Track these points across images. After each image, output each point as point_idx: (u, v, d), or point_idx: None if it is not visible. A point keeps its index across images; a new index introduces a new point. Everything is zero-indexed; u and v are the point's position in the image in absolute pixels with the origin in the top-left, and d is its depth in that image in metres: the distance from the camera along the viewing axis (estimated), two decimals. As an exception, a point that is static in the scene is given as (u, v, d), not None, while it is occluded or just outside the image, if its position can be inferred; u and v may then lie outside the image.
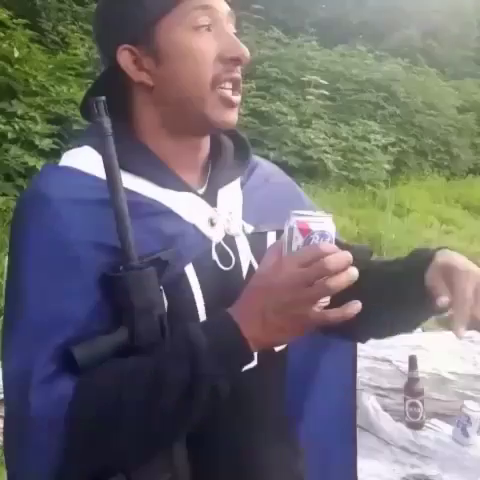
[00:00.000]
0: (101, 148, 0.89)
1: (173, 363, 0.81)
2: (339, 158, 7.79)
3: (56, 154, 5.64)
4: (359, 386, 3.16)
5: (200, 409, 0.82)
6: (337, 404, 1.24)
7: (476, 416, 2.57)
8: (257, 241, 1.01)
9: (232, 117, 0.97)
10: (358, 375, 3.28)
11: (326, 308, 0.82)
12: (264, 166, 1.14)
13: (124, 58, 0.93)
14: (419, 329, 4.27)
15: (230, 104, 0.95)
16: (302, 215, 0.83)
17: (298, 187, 1.22)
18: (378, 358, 3.37)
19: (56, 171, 0.92)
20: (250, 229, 1.01)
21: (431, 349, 3.52)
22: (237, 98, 0.96)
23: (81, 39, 7.76)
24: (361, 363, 3.36)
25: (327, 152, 7.63)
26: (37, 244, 0.86)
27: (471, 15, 15.11)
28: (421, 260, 0.95)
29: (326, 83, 8.51)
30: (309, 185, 7.07)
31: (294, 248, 0.82)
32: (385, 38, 12.33)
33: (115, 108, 0.90)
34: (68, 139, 5.87)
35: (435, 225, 7.36)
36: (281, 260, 0.82)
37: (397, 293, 1.00)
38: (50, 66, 6.66)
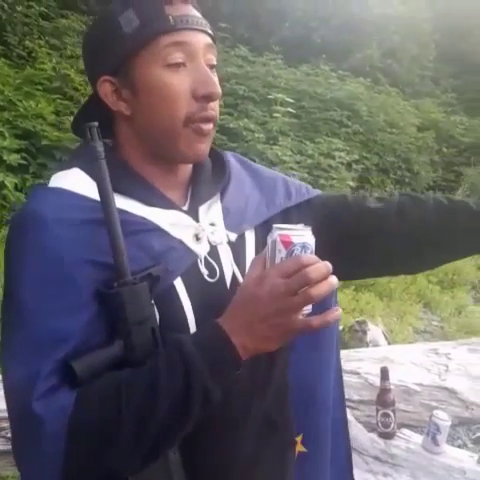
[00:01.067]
0: (91, 170, 0.95)
1: (168, 374, 0.85)
2: (306, 175, 7.84)
3: (24, 169, 5.61)
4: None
5: (194, 416, 0.86)
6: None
7: (445, 425, 2.63)
8: (237, 247, 1.07)
9: (203, 149, 1.01)
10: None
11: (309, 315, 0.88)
12: (234, 165, 1.18)
13: (104, 88, 0.98)
14: (385, 342, 4.38)
15: (202, 133, 0.99)
16: (284, 229, 0.89)
17: (267, 170, 1.25)
18: (347, 371, 3.43)
19: (48, 192, 0.96)
20: (234, 237, 1.06)
21: (397, 361, 3.59)
22: (209, 126, 1.00)
23: (48, 54, 7.72)
24: (331, 376, 3.42)
25: (294, 169, 7.66)
26: (34, 263, 0.89)
27: (428, 35, 15.46)
28: None
29: (292, 101, 8.59)
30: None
31: (278, 260, 0.88)
32: (347, 58, 12.52)
33: (102, 131, 0.94)
34: (36, 154, 5.84)
35: (398, 240, 7.45)
36: (264, 272, 0.88)
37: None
38: (17, 81, 6.63)
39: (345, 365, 3.50)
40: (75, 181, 0.96)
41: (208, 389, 0.85)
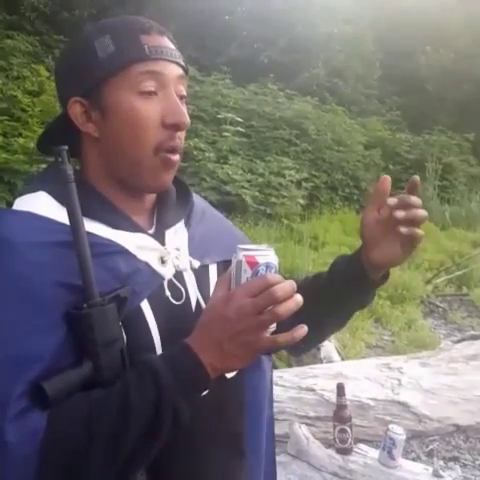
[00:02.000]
0: (56, 193, 0.96)
1: (138, 393, 0.85)
2: (256, 193, 7.92)
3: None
4: (287, 416, 3.24)
5: (165, 435, 0.87)
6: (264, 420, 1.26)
7: (400, 439, 2.67)
8: (201, 275, 1.09)
9: (168, 180, 1.03)
10: (285, 405, 3.38)
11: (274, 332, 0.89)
12: (198, 202, 1.21)
13: (74, 109, 0.99)
14: (339, 358, 4.43)
15: (169, 165, 1.01)
16: (248, 249, 0.90)
17: (226, 219, 1.31)
18: (303, 388, 3.46)
19: (15, 216, 0.96)
20: (197, 264, 1.08)
21: (351, 376, 3.64)
22: (176, 157, 1.02)
23: (-7, 75, 7.61)
24: (287, 393, 3.44)
25: (245, 187, 7.73)
26: (3, 286, 0.88)
27: (373, 54, 15.83)
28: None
29: (241, 120, 8.67)
30: (229, 220, 7.14)
31: (243, 280, 0.89)
32: (294, 77, 12.72)
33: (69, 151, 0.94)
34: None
35: (348, 256, 7.56)
36: (231, 292, 0.89)
37: (335, 284, 1.15)
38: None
39: (301, 382, 3.52)
40: (41, 204, 0.96)
41: (178, 407, 0.86)
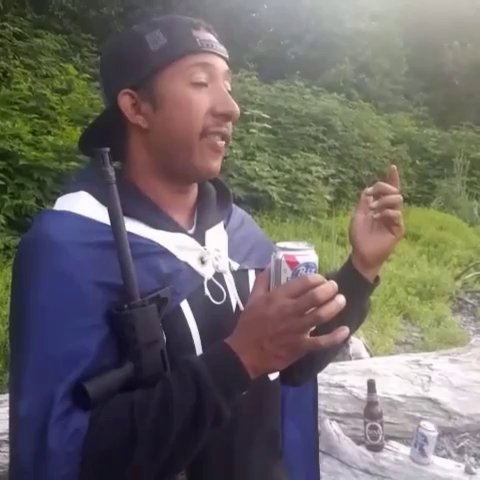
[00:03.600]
0: (97, 193, 0.97)
1: (180, 393, 0.85)
2: (283, 190, 7.89)
3: (2, 190, 5.57)
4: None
5: (206, 434, 0.87)
6: (302, 427, 1.30)
7: (432, 436, 2.65)
8: (241, 279, 1.09)
9: (215, 165, 1.04)
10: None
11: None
12: (238, 211, 1.23)
13: (124, 101, 1.01)
14: (367, 354, 4.41)
15: (216, 149, 1.02)
16: (288, 249, 0.89)
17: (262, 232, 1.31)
18: (332, 384, 3.44)
19: (58, 217, 0.97)
20: (236, 266, 1.09)
21: (381, 373, 3.61)
22: (222, 143, 1.04)
23: (23, 73, 7.67)
24: (317, 390, 3.43)
25: (271, 184, 7.71)
26: (48, 285, 0.89)
27: (400, 50, 15.71)
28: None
29: (268, 117, 8.66)
30: (255, 216, 7.13)
31: (283, 280, 0.88)
32: (321, 73, 12.69)
33: (115, 145, 0.96)
34: (13, 174, 5.79)
35: (376, 253, 7.51)
36: (272, 292, 0.88)
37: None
38: (-7, 101, 6.59)
39: (330, 379, 3.51)
40: (82, 204, 0.98)
41: (220, 407, 0.86)
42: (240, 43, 12.21)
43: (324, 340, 0.86)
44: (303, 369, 1.15)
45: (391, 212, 1.08)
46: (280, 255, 0.89)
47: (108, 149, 0.93)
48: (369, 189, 1.11)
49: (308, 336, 0.86)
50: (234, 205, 1.23)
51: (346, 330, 0.87)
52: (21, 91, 7.07)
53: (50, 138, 6.21)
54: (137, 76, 1.00)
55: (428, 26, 16.38)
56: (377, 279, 1.18)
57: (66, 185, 1.06)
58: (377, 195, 1.09)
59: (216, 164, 1.04)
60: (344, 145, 10.33)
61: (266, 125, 8.67)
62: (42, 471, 0.82)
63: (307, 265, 0.88)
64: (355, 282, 1.13)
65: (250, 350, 0.87)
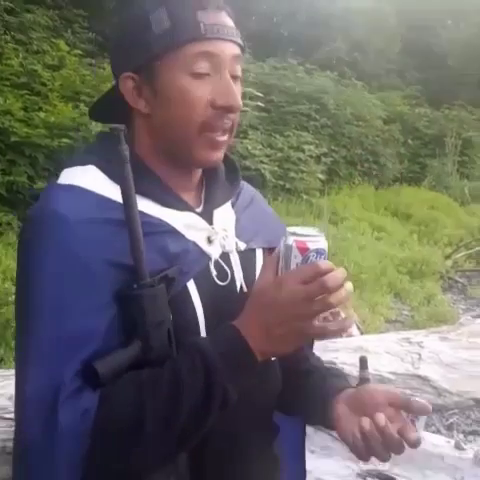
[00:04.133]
0: (107, 169, 0.96)
1: (189, 374, 0.86)
2: (276, 168, 7.89)
3: (-7, 166, 5.54)
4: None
5: (213, 416, 0.88)
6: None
7: (423, 411, 2.70)
8: (247, 258, 1.09)
9: (216, 157, 1.01)
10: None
11: None
12: (248, 189, 1.21)
13: (126, 84, 0.99)
14: (358, 332, 4.46)
15: (215, 145, 0.99)
16: (299, 234, 0.88)
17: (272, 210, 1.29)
18: (324, 361, 3.48)
19: (66, 191, 0.94)
20: (243, 246, 1.08)
21: (371, 350, 3.64)
22: (223, 138, 1.00)
23: (14, 49, 7.57)
24: (308, 367, 3.45)
25: (264, 162, 7.70)
26: (57, 263, 0.88)
27: (393, 29, 15.62)
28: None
29: (261, 95, 8.60)
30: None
31: (293, 266, 0.88)
32: (314, 51, 12.61)
33: (119, 122, 0.94)
34: (5, 150, 5.76)
35: (367, 232, 7.58)
36: (282, 276, 0.88)
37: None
38: (-16, 77, 6.51)
39: (322, 356, 3.51)
40: (90, 179, 0.96)
41: (227, 389, 0.86)
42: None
43: (332, 327, 0.86)
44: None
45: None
46: (291, 241, 0.88)
47: (124, 126, 0.91)
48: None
49: (317, 322, 0.87)
50: (245, 182, 1.21)
51: (354, 317, 0.89)
52: (12, 67, 6.96)
53: (42, 114, 6.15)
54: (138, 61, 0.97)
55: (422, 5, 16.27)
56: None
57: (74, 158, 1.04)
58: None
59: (216, 156, 1.02)
60: (336, 124, 10.32)
61: (259, 103, 8.60)
62: (50, 449, 0.82)
63: (317, 251, 0.88)
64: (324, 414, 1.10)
65: (258, 334, 0.88)
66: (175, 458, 0.92)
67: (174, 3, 0.95)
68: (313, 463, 2.67)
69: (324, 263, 0.86)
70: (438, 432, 3.24)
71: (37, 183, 5.46)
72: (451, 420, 3.38)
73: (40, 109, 6.42)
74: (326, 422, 1.09)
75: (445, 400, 3.43)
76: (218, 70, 0.96)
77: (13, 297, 0.97)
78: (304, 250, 0.87)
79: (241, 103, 0.99)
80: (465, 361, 3.66)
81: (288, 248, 0.88)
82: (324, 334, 0.87)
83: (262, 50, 11.24)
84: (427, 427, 3.19)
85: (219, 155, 1.02)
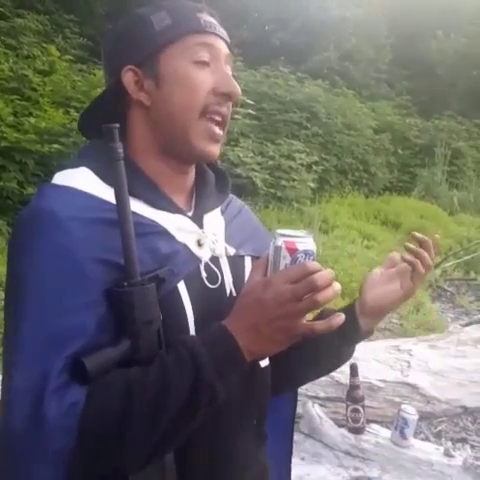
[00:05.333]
0: (99, 170, 0.97)
1: (177, 371, 0.86)
2: (267, 176, 7.89)
3: (-16, 170, 5.52)
4: (298, 397, 3.26)
5: (200, 415, 0.88)
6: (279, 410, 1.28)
7: (413, 419, 2.71)
8: (237, 264, 1.10)
9: (215, 149, 1.04)
10: (295, 386, 3.40)
11: None
12: (236, 200, 1.23)
13: (128, 77, 1.02)
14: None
15: (214, 138, 1.03)
16: (288, 235, 0.90)
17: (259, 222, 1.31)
18: (313, 369, 3.48)
19: (58, 191, 0.95)
20: (232, 251, 1.09)
21: (361, 358, 3.65)
22: (220, 132, 1.04)
23: (4, 53, 7.55)
24: (298, 374, 3.45)
25: (255, 170, 7.71)
26: (46, 259, 0.88)
27: (384, 38, 15.72)
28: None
29: (252, 103, 8.62)
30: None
31: (282, 266, 0.88)
32: (305, 60, 12.65)
33: (115, 121, 0.94)
34: (-5, 155, 5.74)
35: (357, 240, 7.57)
36: (270, 277, 0.89)
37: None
38: (-26, 81, 6.48)
39: (311, 363, 3.54)
40: (83, 180, 0.97)
41: (215, 388, 0.87)
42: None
43: (320, 325, 0.87)
44: (278, 381, 1.17)
45: (419, 267, 1.11)
46: (280, 242, 0.89)
47: (118, 125, 0.93)
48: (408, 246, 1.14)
49: (304, 321, 0.87)
50: (233, 196, 1.23)
51: (341, 317, 0.88)
52: (2, 71, 6.94)
53: (32, 120, 6.13)
54: (141, 54, 1.01)
55: (412, 15, 16.41)
56: (369, 332, 1.20)
57: (67, 161, 1.05)
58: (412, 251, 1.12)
59: (214, 149, 1.04)
60: (327, 132, 10.34)
61: (250, 111, 8.63)
62: (35, 443, 0.82)
63: (306, 252, 0.89)
64: (349, 326, 1.11)
65: (247, 333, 0.88)
66: (162, 459, 0.91)
67: (173, 7, 1.03)
68: (304, 470, 2.68)
69: (312, 263, 0.87)
70: (427, 440, 3.25)
71: (27, 189, 5.44)
72: (440, 428, 3.39)
73: (30, 114, 6.41)
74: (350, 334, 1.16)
75: (434, 408, 3.45)
76: (216, 61, 1.03)
77: (2, 303, 0.95)
78: (293, 251, 0.88)
79: (240, 91, 1.04)
80: (454, 369, 3.69)
81: (277, 249, 0.89)
82: (312, 333, 0.88)
83: (254, 58, 11.26)
84: (416, 435, 3.19)
85: (216, 149, 1.05)
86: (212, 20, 1.04)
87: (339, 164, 10.31)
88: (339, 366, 1.27)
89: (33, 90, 6.98)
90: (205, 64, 1.01)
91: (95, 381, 0.85)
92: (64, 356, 0.85)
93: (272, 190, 8.03)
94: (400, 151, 12.31)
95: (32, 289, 0.88)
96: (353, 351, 1.25)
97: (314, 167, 8.99)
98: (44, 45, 8.38)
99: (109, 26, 7.66)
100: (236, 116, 8.39)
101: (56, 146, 5.75)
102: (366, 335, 1.20)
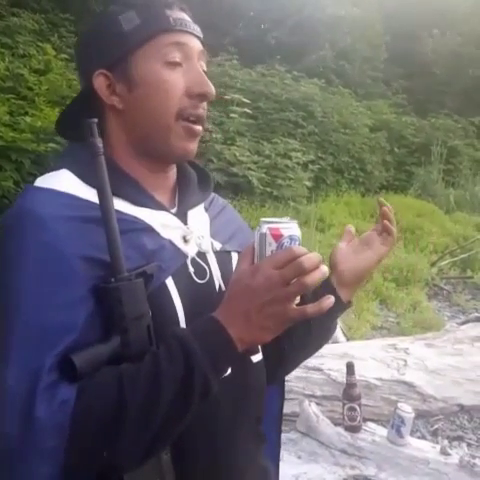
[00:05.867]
0: (78, 170, 0.97)
1: (169, 365, 0.86)
2: (263, 175, 7.88)
3: (-19, 171, 5.50)
4: (294, 395, 3.28)
5: (193, 407, 0.87)
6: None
7: (409, 417, 2.71)
8: (224, 260, 1.10)
9: (192, 147, 1.04)
10: (292, 384, 3.41)
11: None
12: (219, 198, 1.24)
13: (99, 81, 1.00)
14: (344, 339, 4.46)
15: (192, 133, 1.03)
16: (273, 222, 0.90)
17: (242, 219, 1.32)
18: (310, 367, 3.48)
19: (40, 192, 0.96)
20: (218, 246, 1.10)
21: (358, 357, 3.66)
22: (199, 128, 1.04)
23: (0, 53, 7.53)
24: (294, 372, 3.44)
25: (251, 169, 7.69)
26: (33, 258, 0.88)
27: (380, 37, 15.72)
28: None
29: (248, 102, 8.61)
30: (235, 201, 7.14)
31: (268, 253, 0.89)
32: (301, 59, 12.66)
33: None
34: (-9, 155, 5.72)
35: (353, 239, 7.58)
36: (257, 264, 0.89)
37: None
38: (-31, 80, 6.47)
39: (308, 362, 3.55)
40: (63, 182, 0.97)
41: (207, 379, 0.87)
42: (220, 27, 12.11)
43: (311, 308, 0.87)
44: (271, 368, 1.17)
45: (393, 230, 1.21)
46: (265, 228, 0.90)
47: (96, 120, 0.92)
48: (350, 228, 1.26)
49: (294, 306, 0.87)
50: (216, 194, 1.24)
51: (331, 299, 0.87)
52: (-2, 71, 6.94)
53: (28, 119, 6.10)
54: (111, 57, 0.99)
55: (409, 14, 16.41)
56: (350, 303, 1.22)
57: (48, 167, 1.05)
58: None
59: (192, 146, 1.04)
60: (323, 131, 10.35)
61: (246, 110, 8.61)
62: (27, 441, 0.81)
63: (291, 238, 0.89)
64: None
65: (237, 322, 0.88)
66: (159, 459, 0.91)
67: (141, 5, 1.00)
68: (300, 468, 2.68)
69: (297, 247, 0.87)
70: (423, 438, 3.26)
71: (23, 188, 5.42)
72: (436, 426, 3.40)
73: (26, 113, 6.38)
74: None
75: (430, 406, 3.45)
76: (189, 60, 1.01)
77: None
78: (278, 237, 0.89)
79: (214, 91, 1.03)
80: (450, 367, 3.70)
81: (262, 236, 0.90)
82: (304, 317, 0.87)
83: (249, 57, 11.27)
84: (412, 433, 3.20)
85: (193, 147, 1.05)
86: (183, 16, 1.02)
87: (335, 163, 10.32)
88: (323, 345, 1.29)
89: (29, 89, 6.96)
90: (177, 64, 1.00)
91: (85, 378, 0.85)
92: (53, 353, 0.84)
93: (268, 189, 8.02)
94: (396, 150, 12.32)
95: (19, 287, 0.87)
96: (336, 326, 1.27)
97: (310, 166, 8.99)
98: (40, 44, 8.36)
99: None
100: (232, 115, 8.39)
101: (52, 145, 5.73)
102: (347, 305, 1.22)
